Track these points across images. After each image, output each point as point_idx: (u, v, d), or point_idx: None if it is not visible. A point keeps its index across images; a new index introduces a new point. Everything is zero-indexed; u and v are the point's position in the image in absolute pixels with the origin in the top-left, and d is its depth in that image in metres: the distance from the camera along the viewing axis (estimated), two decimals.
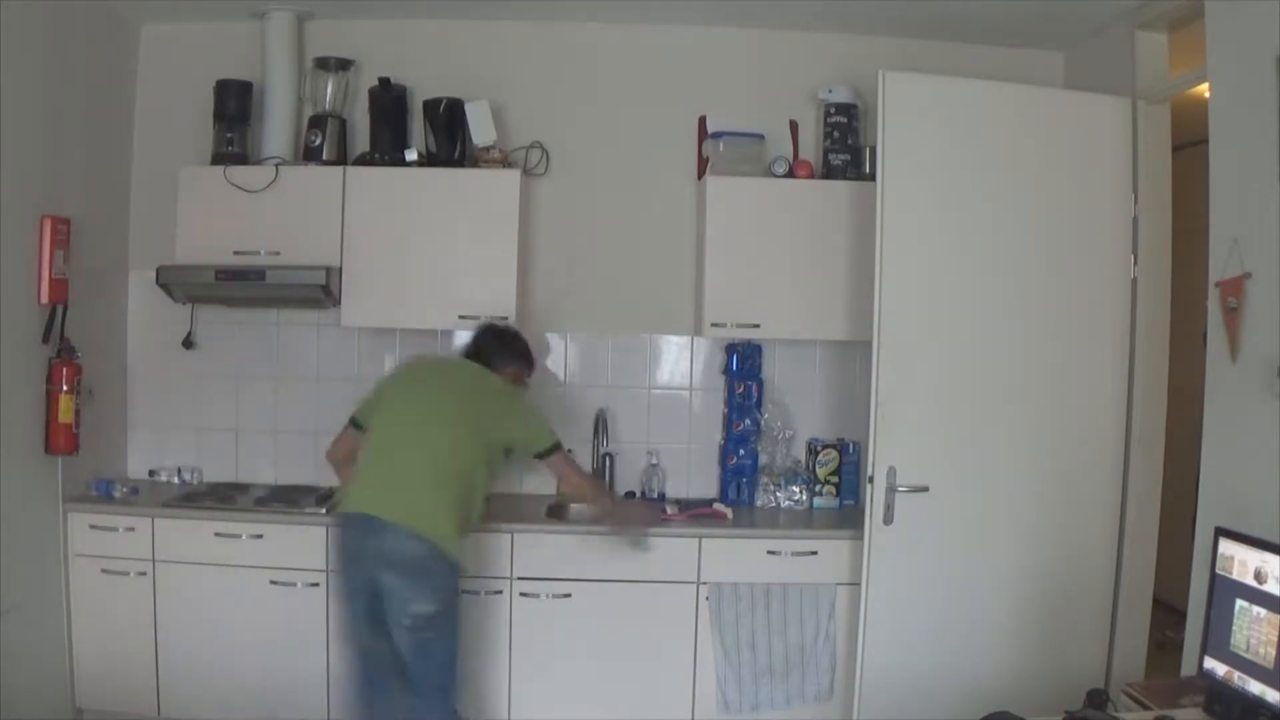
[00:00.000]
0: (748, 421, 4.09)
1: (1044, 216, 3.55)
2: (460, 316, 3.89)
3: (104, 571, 3.67)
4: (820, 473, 4.05)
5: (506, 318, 3.87)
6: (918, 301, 3.46)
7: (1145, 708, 2.47)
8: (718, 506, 3.92)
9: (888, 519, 3.44)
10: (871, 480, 3.44)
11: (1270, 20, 2.71)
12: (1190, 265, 3.40)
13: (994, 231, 3.52)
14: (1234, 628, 2.22)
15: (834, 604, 3.66)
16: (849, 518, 3.64)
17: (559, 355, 4.27)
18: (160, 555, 3.66)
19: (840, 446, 4.06)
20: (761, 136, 4.00)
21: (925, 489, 3.44)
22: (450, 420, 3.27)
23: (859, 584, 3.47)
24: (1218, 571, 2.30)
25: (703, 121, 4.13)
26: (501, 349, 3.54)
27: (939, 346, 3.48)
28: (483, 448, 3.29)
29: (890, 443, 3.43)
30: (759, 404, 4.11)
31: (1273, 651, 2.11)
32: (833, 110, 4.00)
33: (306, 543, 3.66)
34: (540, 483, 4.18)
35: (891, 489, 3.43)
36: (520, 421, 3.43)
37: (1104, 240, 3.59)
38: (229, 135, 3.94)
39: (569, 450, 3.62)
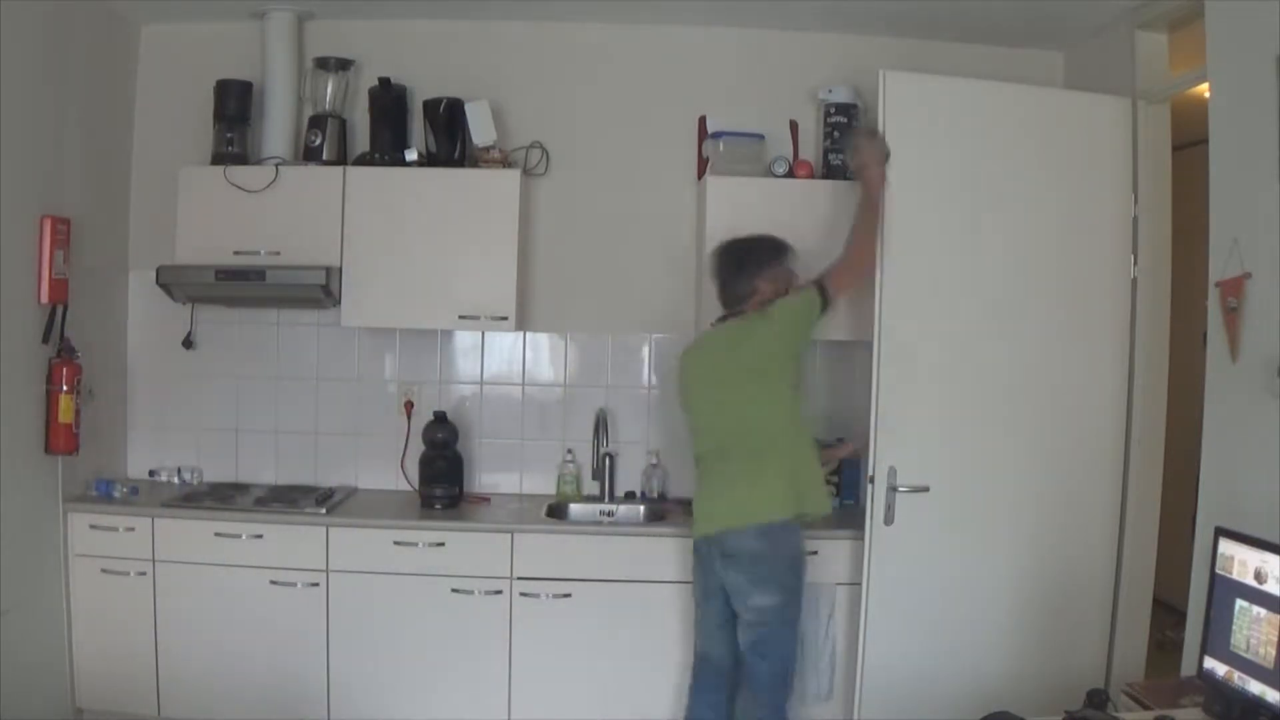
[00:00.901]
0: None
1: (1044, 216, 3.54)
2: (460, 316, 3.89)
3: (104, 571, 3.67)
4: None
5: (506, 318, 3.87)
6: (918, 301, 3.45)
7: (1145, 708, 2.47)
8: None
9: (888, 519, 3.44)
10: (872, 480, 3.44)
11: (1270, 20, 2.71)
12: (1190, 265, 3.40)
13: (994, 232, 3.52)
14: (1234, 628, 2.22)
15: (834, 604, 3.65)
16: (849, 518, 3.63)
17: (559, 355, 4.26)
18: (160, 555, 3.67)
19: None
20: (761, 136, 4.00)
21: (925, 489, 3.44)
22: (732, 396, 3.25)
23: (859, 584, 3.47)
24: (1218, 571, 2.30)
25: (703, 121, 4.13)
26: (737, 272, 3.30)
27: (939, 346, 3.48)
28: (777, 388, 3.23)
29: (890, 443, 3.43)
30: None
31: (1273, 651, 2.11)
32: (833, 110, 4.00)
33: (306, 543, 3.66)
34: (540, 483, 4.19)
35: (892, 489, 3.43)
36: (786, 324, 3.23)
37: (1104, 240, 3.59)
38: (229, 135, 3.94)
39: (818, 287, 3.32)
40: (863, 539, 3.45)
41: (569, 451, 4.18)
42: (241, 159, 3.94)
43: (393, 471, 4.15)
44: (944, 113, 3.49)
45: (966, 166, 3.50)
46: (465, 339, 4.24)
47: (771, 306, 3.27)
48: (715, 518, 3.26)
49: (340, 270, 3.85)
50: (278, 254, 3.81)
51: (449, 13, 4.10)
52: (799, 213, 3.89)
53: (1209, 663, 2.29)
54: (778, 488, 3.20)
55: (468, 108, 3.92)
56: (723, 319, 3.42)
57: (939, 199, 3.48)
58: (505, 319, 3.89)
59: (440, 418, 3.99)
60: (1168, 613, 3.87)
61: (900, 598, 3.47)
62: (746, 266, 3.34)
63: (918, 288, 3.45)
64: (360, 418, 4.20)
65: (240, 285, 3.81)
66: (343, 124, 4.05)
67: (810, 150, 4.13)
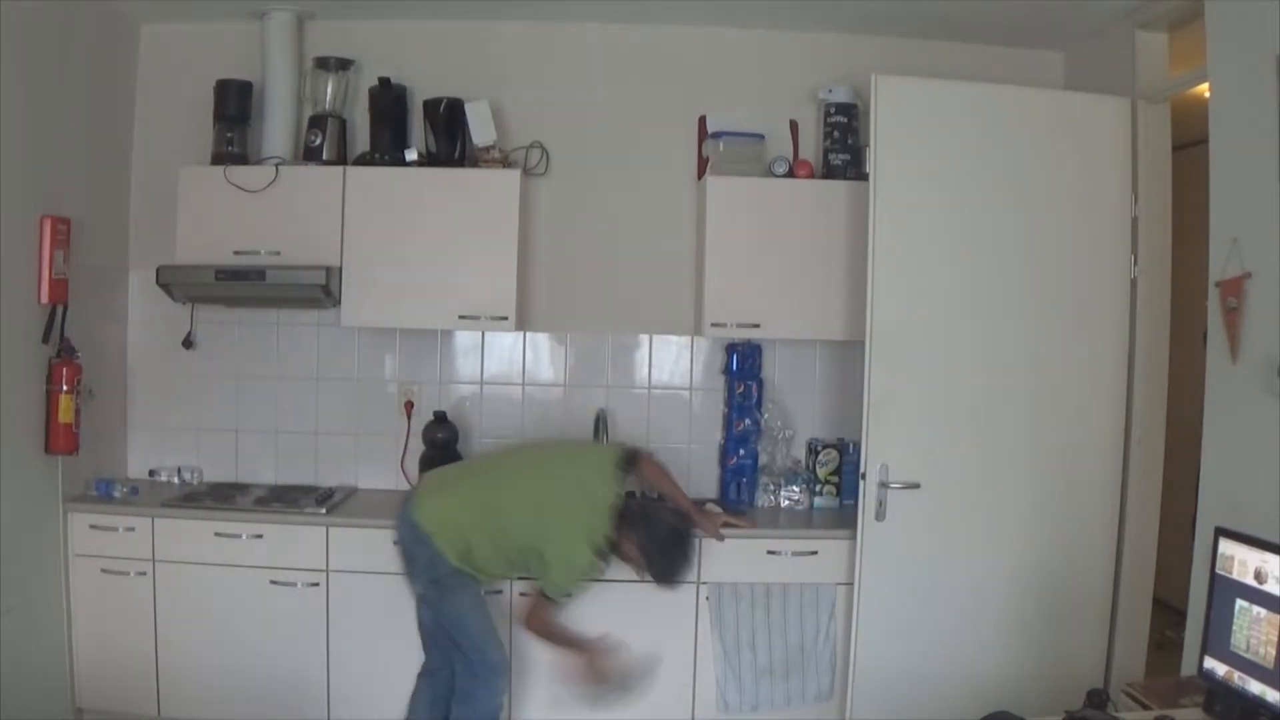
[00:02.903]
0: (748, 421, 4.09)
1: (1043, 216, 3.55)
2: (460, 316, 3.89)
3: (104, 571, 3.67)
4: (820, 473, 4.06)
5: (506, 318, 3.87)
6: (911, 301, 3.47)
7: (1145, 708, 2.47)
8: (709, 507, 3.91)
9: (880, 515, 3.46)
10: (863, 476, 3.46)
11: (1270, 20, 2.71)
12: (1190, 265, 3.40)
13: (991, 232, 3.53)
14: (1234, 628, 2.22)
15: (834, 604, 3.66)
16: (849, 518, 3.63)
17: (559, 355, 4.26)
18: (160, 555, 3.67)
19: (840, 446, 4.06)
20: (761, 136, 4.00)
21: (917, 485, 3.46)
22: (529, 488, 3.31)
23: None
24: (1218, 571, 2.30)
25: (703, 121, 4.14)
26: (652, 534, 3.22)
27: (933, 345, 3.50)
28: (525, 534, 3.24)
29: (882, 440, 3.45)
30: (759, 404, 4.11)
31: (1273, 651, 2.11)
32: (833, 110, 4.00)
33: (306, 543, 3.66)
34: None
35: (883, 485, 3.45)
36: (563, 567, 3.21)
37: (1104, 240, 3.60)
38: (229, 135, 3.94)
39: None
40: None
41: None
42: (241, 159, 3.94)
43: (393, 471, 4.15)
44: (938, 115, 3.50)
45: (963, 168, 3.51)
46: (465, 339, 4.24)
47: (583, 549, 3.20)
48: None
49: (340, 270, 3.85)
50: (278, 254, 3.81)
51: (449, 13, 4.10)
52: (799, 213, 3.90)
53: (1209, 663, 2.29)
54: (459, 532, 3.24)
55: (468, 108, 3.92)
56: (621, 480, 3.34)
57: (933, 200, 3.50)
58: (505, 319, 3.89)
59: (440, 418, 3.99)
60: (1168, 613, 3.87)
61: (894, 595, 3.49)
62: (657, 542, 3.24)
63: (911, 287, 3.47)
64: (360, 418, 4.20)
65: (240, 285, 3.81)
66: (343, 124, 4.05)
67: (810, 150, 4.13)
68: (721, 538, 3.60)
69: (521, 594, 3.61)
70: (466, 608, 3.29)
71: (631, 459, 3.44)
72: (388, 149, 3.96)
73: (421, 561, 3.26)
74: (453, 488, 3.40)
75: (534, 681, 3.67)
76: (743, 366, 4.13)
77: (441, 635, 3.34)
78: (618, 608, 3.64)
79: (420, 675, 3.47)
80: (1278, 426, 2.66)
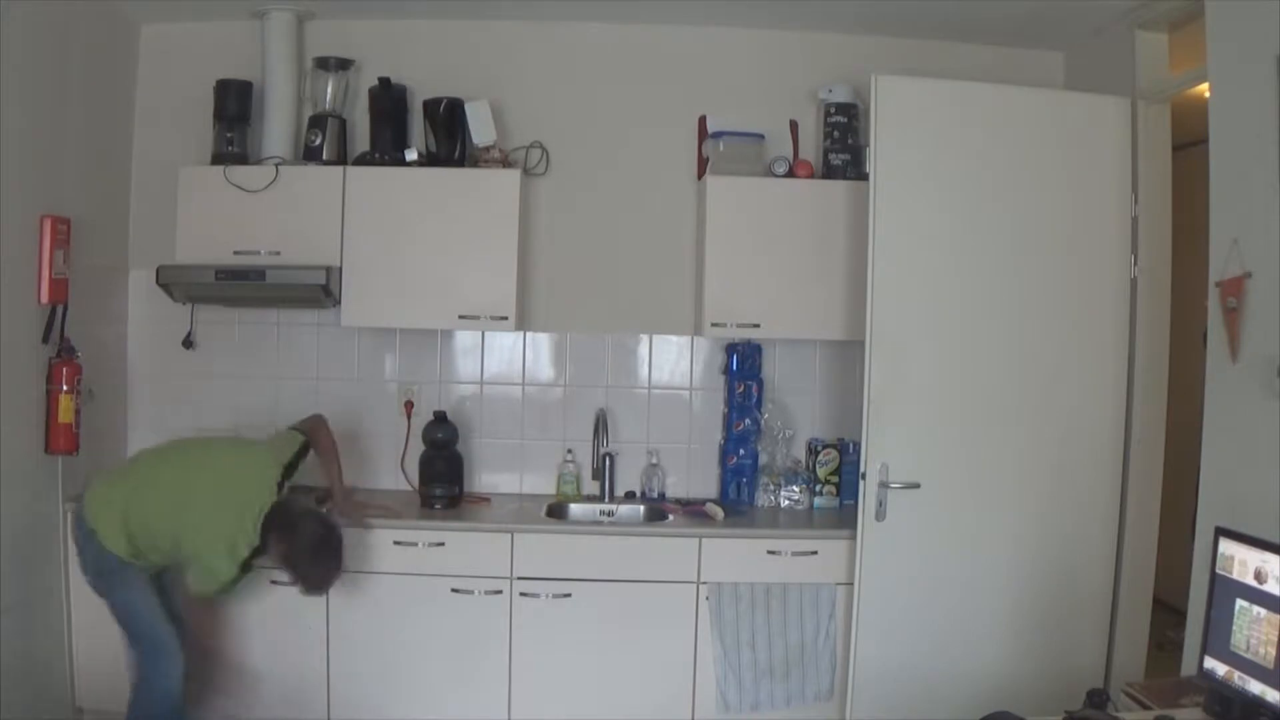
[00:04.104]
0: (748, 421, 4.09)
1: (1043, 216, 3.55)
2: (460, 316, 3.90)
3: None
4: (820, 473, 4.06)
5: (506, 318, 3.87)
6: (910, 301, 3.47)
7: (1145, 708, 2.47)
8: (709, 507, 3.92)
9: (880, 515, 3.47)
10: (863, 476, 3.46)
11: (1270, 20, 2.71)
12: (1190, 265, 3.40)
13: (991, 232, 3.53)
14: (1234, 628, 2.22)
15: (834, 604, 3.66)
16: (849, 518, 3.63)
17: (559, 355, 4.27)
18: None
19: (840, 446, 4.07)
20: (761, 136, 4.00)
21: (917, 485, 3.46)
22: (186, 482, 3.28)
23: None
24: (1218, 571, 2.30)
25: (703, 121, 4.14)
26: (296, 536, 3.23)
27: (933, 345, 3.50)
28: (175, 527, 3.20)
29: (882, 440, 3.45)
30: (759, 404, 4.11)
31: (1273, 651, 2.11)
32: (833, 110, 4.00)
33: None
34: (540, 483, 4.19)
35: (883, 485, 3.45)
36: (203, 568, 3.18)
37: (1104, 240, 3.60)
38: (229, 135, 3.94)
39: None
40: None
41: (569, 451, 4.18)
42: (241, 159, 3.94)
43: (393, 471, 4.16)
44: (939, 115, 3.51)
45: (963, 167, 3.51)
46: (465, 339, 4.24)
47: (228, 564, 3.19)
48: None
49: (340, 270, 3.85)
50: (278, 254, 3.81)
51: (449, 13, 4.10)
52: (799, 213, 3.91)
53: (1209, 663, 2.29)
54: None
55: (468, 108, 3.92)
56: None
57: (933, 200, 3.50)
58: (505, 319, 3.89)
59: (440, 418, 3.99)
60: (1168, 613, 3.86)
61: (894, 595, 3.49)
62: (304, 549, 3.25)
63: (910, 288, 3.47)
64: (360, 418, 4.20)
65: (240, 285, 3.81)
66: (343, 124, 4.05)
67: (810, 150, 4.13)
68: (368, 527, 3.60)
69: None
70: (134, 596, 3.28)
71: (306, 449, 3.48)
72: (388, 149, 3.96)
73: (87, 554, 3.26)
74: (116, 480, 3.36)
75: (533, 682, 3.66)
76: (743, 366, 4.13)
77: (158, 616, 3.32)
78: (617, 608, 3.65)
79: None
80: (1278, 426, 2.66)
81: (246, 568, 3.25)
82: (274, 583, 3.63)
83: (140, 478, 3.36)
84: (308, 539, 3.25)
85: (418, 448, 4.04)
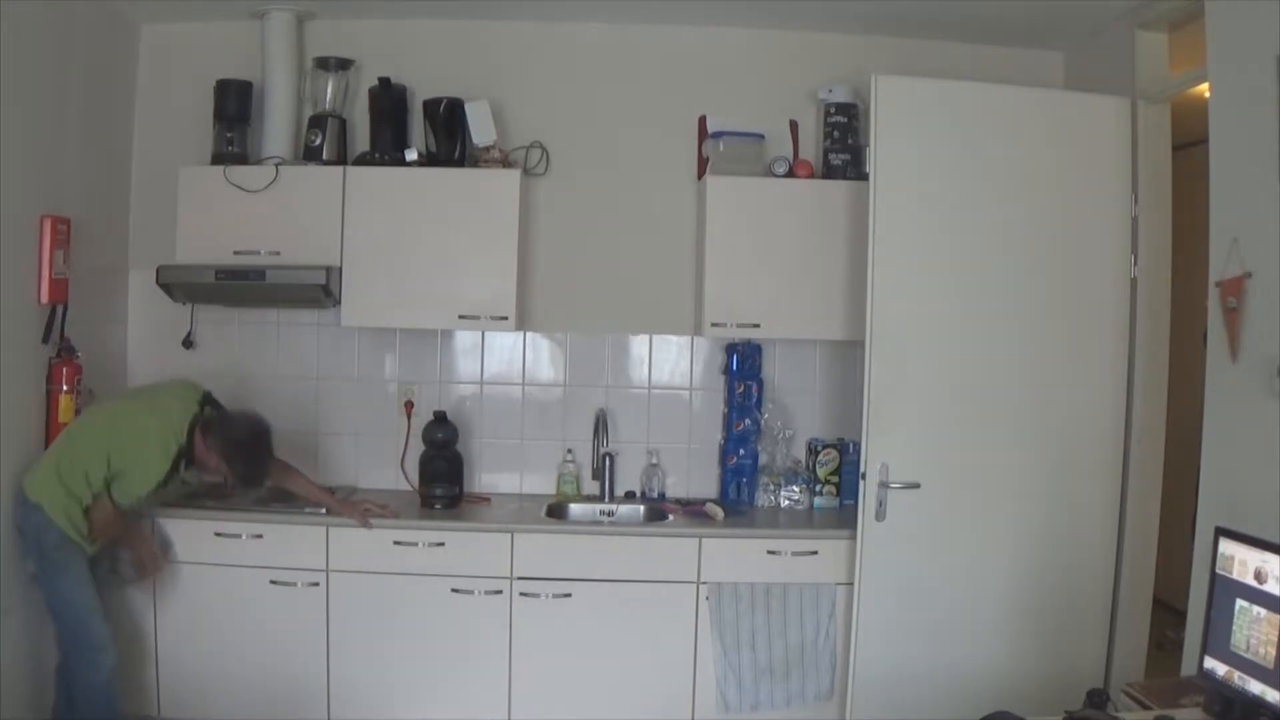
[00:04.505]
0: (748, 421, 4.09)
1: (1043, 216, 3.55)
2: (460, 316, 3.90)
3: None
4: (820, 473, 4.06)
5: (506, 317, 3.87)
6: (911, 301, 3.48)
7: (1145, 708, 2.47)
8: (709, 507, 3.92)
9: (880, 515, 3.47)
10: (863, 476, 3.46)
11: (1270, 20, 2.71)
12: (1190, 265, 3.40)
13: (991, 232, 3.53)
14: (1234, 628, 2.22)
15: (834, 604, 3.66)
16: (849, 518, 3.63)
17: (559, 355, 4.27)
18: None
19: (840, 446, 4.06)
20: (761, 136, 4.00)
21: (917, 485, 3.46)
22: (107, 410, 3.43)
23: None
24: (1218, 571, 2.30)
25: (703, 121, 4.14)
26: (226, 434, 3.39)
27: (933, 345, 3.50)
28: (105, 448, 3.28)
29: (882, 439, 3.46)
30: (759, 404, 4.11)
31: (1273, 651, 2.11)
32: (833, 110, 4.00)
33: (306, 543, 3.66)
34: (540, 483, 4.19)
35: (883, 485, 3.45)
36: (135, 475, 3.29)
37: (1104, 240, 3.60)
38: (229, 135, 3.94)
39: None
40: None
41: (569, 451, 4.18)
42: (241, 159, 3.94)
43: (393, 471, 4.16)
44: (939, 115, 3.51)
45: (963, 167, 3.51)
46: (465, 339, 4.24)
47: (159, 463, 3.30)
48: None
49: (340, 270, 3.85)
50: (278, 254, 3.81)
51: (449, 13, 4.10)
52: (799, 212, 3.91)
53: (1209, 663, 2.29)
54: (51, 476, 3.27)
55: (468, 108, 3.92)
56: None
57: (933, 200, 3.50)
58: (505, 319, 3.89)
59: (440, 418, 3.98)
60: (1168, 613, 3.87)
61: (894, 594, 3.49)
62: (233, 444, 3.39)
63: (911, 287, 3.47)
64: (360, 418, 4.20)
65: (240, 285, 3.81)
66: (343, 124, 4.05)
67: (810, 150, 4.13)
68: (370, 527, 3.63)
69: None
70: (72, 584, 3.29)
71: (204, 420, 3.44)
72: (388, 149, 3.96)
73: (30, 535, 3.26)
74: (48, 452, 3.39)
75: (533, 682, 3.66)
76: (743, 366, 4.13)
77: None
78: (617, 608, 3.65)
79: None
80: (1278, 426, 2.66)
81: (174, 471, 3.34)
82: (274, 583, 3.64)
83: (66, 432, 3.41)
84: (239, 432, 3.40)
85: (418, 448, 4.04)
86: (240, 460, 3.40)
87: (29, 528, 3.27)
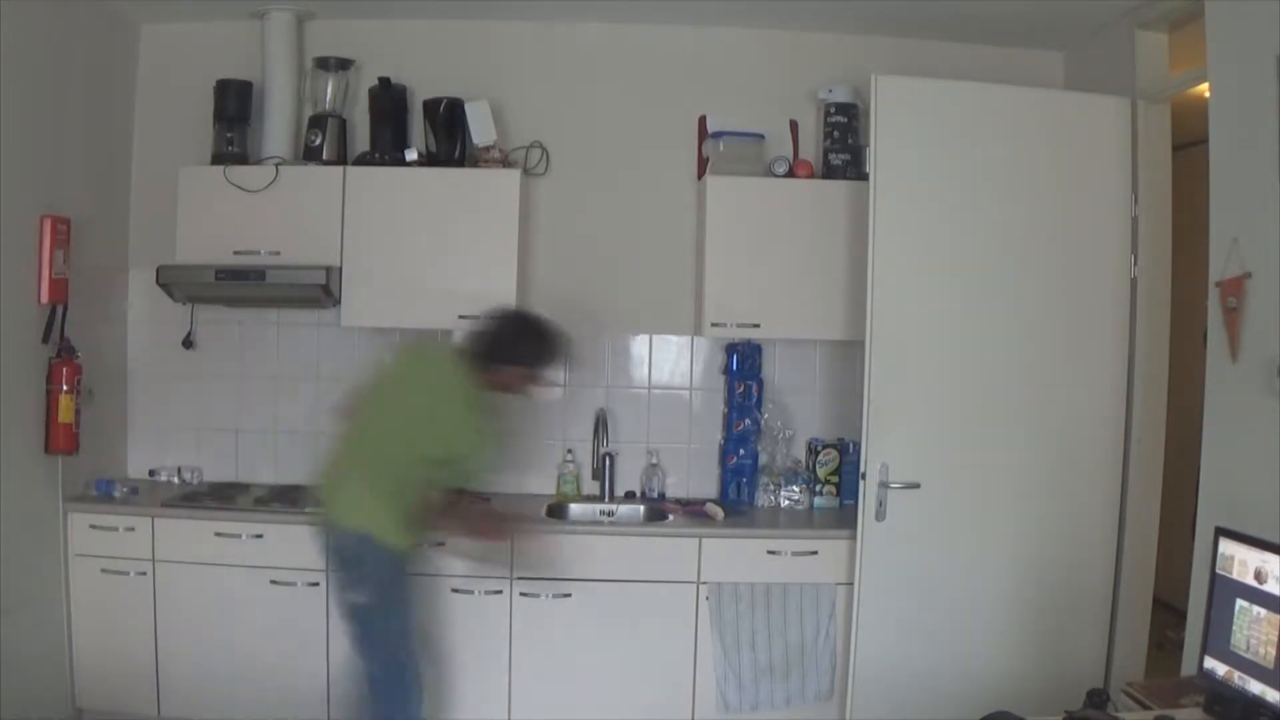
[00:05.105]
0: (748, 421, 4.09)
1: (1043, 216, 3.55)
2: (460, 316, 3.88)
3: (104, 571, 3.67)
4: (820, 473, 4.06)
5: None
6: (911, 301, 3.48)
7: (1145, 708, 2.47)
8: (709, 507, 3.92)
9: (880, 515, 3.47)
10: (863, 476, 3.46)
11: (1270, 20, 2.71)
12: (1190, 265, 3.40)
13: (991, 232, 3.53)
14: (1234, 628, 2.22)
15: (834, 604, 3.66)
16: (849, 518, 3.63)
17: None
18: (160, 555, 3.67)
19: (840, 446, 4.06)
20: (761, 136, 4.00)
21: (917, 485, 3.46)
22: (394, 420, 3.15)
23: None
24: (1218, 571, 2.30)
25: (703, 121, 4.14)
26: (501, 346, 3.16)
27: (933, 346, 3.51)
28: (423, 453, 3.09)
29: (882, 439, 3.46)
30: (759, 404, 4.11)
31: (1273, 651, 2.11)
32: (833, 110, 4.00)
33: (306, 543, 3.61)
34: (540, 483, 4.18)
35: (883, 485, 3.45)
36: (468, 448, 3.11)
37: (1104, 240, 3.60)
38: (229, 135, 3.94)
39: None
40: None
41: (569, 451, 4.18)
42: (241, 159, 3.94)
43: None
44: (939, 115, 3.51)
45: (963, 168, 3.51)
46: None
47: (476, 423, 3.10)
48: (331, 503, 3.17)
49: (340, 270, 3.85)
50: (278, 254, 3.81)
51: (449, 13, 4.10)
52: (799, 212, 3.91)
53: (1209, 663, 2.29)
54: (390, 501, 3.07)
55: (468, 108, 3.92)
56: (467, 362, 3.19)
57: (933, 200, 3.50)
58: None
59: None
60: (1168, 613, 3.86)
61: (894, 594, 3.49)
62: (515, 347, 3.18)
63: (911, 288, 3.48)
64: None
65: (240, 285, 3.81)
66: (343, 124, 4.05)
67: (810, 150, 4.13)
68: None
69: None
70: (410, 619, 3.15)
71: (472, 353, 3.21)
72: (388, 149, 3.96)
73: (368, 567, 3.06)
74: (348, 478, 3.16)
75: (533, 682, 3.66)
76: (743, 366, 4.13)
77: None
78: (617, 608, 3.65)
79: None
80: (1278, 426, 2.66)
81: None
82: (274, 583, 3.64)
83: (359, 451, 3.17)
84: (510, 332, 3.17)
85: None
86: (537, 353, 3.18)
87: (364, 559, 3.05)
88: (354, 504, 3.08)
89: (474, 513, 3.30)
